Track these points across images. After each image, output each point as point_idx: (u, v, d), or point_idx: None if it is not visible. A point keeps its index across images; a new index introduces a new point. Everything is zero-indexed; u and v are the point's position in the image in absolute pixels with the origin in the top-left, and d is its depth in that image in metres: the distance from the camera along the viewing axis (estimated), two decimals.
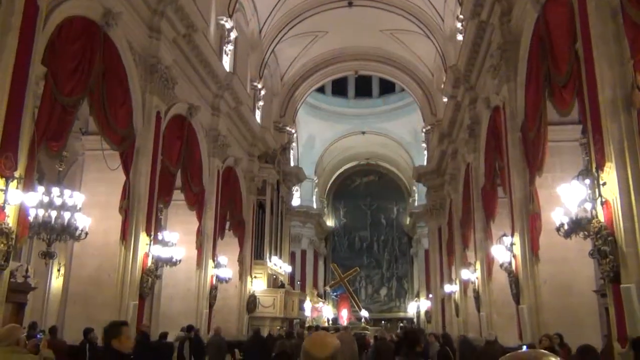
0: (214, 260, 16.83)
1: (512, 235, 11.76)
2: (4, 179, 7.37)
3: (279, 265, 24.15)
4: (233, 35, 19.27)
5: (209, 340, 13.90)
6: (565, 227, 8.03)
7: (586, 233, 7.62)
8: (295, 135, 30.35)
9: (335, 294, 36.79)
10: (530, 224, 10.83)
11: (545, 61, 9.52)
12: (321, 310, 34.30)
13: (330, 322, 32.53)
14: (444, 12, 21.16)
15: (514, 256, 11.65)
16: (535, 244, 10.65)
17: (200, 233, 15.99)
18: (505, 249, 11.97)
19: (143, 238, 11.93)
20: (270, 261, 22.52)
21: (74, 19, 9.57)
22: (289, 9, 22.98)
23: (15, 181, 7.50)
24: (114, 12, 10.56)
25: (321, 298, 35.63)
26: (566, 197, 7.84)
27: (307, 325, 25.91)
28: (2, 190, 7.33)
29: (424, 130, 28.51)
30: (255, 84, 23.14)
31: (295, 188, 31.82)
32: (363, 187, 44.14)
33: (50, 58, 8.84)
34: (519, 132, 11.39)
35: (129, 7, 11.63)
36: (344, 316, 34.60)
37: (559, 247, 10.04)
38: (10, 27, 7.62)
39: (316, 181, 38.40)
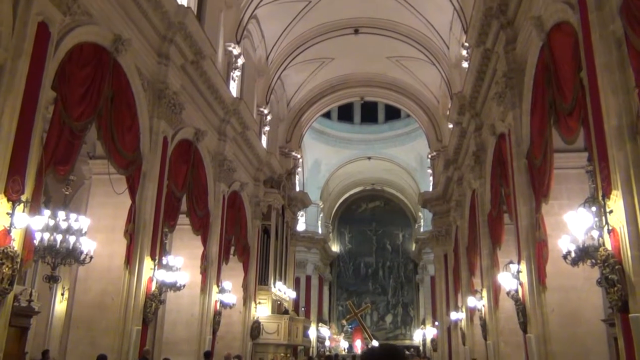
0: (218, 286, 16.74)
1: (519, 263, 11.66)
2: (10, 202, 7.41)
3: (284, 291, 23.98)
4: (240, 61, 19.51)
5: None
6: (572, 254, 7.97)
7: (593, 261, 7.54)
8: (301, 160, 30.42)
9: (350, 326, 38.64)
10: (536, 251, 10.74)
11: (550, 89, 9.56)
12: (339, 341, 37.36)
13: (346, 350, 35.05)
14: (449, 40, 21.38)
15: (521, 284, 11.53)
16: (542, 271, 10.54)
17: (204, 258, 15.94)
18: (512, 277, 11.85)
19: (147, 262, 11.91)
20: (274, 287, 22.38)
21: (84, 44, 9.73)
22: (296, 36, 23.29)
23: (22, 205, 7.54)
24: (123, 38, 10.72)
25: (330, 328, 38.39)
26: (573, 225, 7.79)
27: (327, 353, 28.06)
28: (8, 213, 7.36)
29: (429, 156, 28.53)
30: (261, 109, 23.32)
31: (300, 213, 31.80)
32: (368, 213, 44.04)
33: (60, 83, 8.96)
34: (525, 159, 11.38)
35: (138, 33, 11.83)
36: (358, 345, 35.98)
37: (566, 275, 9.96)
38: (22, 52, 7.76)
39: (321, 206, 38.36)
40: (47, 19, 8.26)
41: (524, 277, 11.33)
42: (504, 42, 12.36)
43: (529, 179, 11.24)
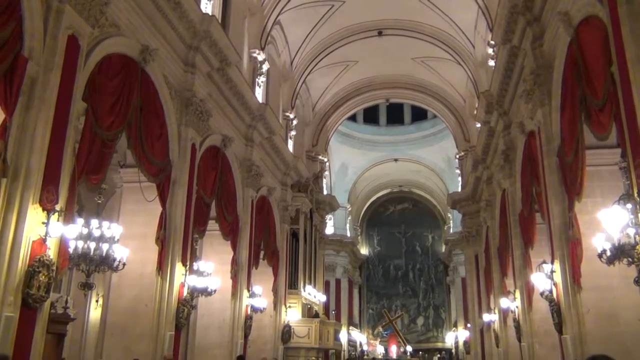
0: (248, 290, 16.84)
1: (552, 263, 11.44)
2: (45, 212, 7.60)
3: (313, 295, 23.99)
4: (265, 67, 19.65)
5: None
6: (608, 253, 7.79)
7: (630, 259, 7.36)
8: (327, 163, 30.45)
9: (385, 332, 39.84)
10: (570, 250, 10.52)
11: (580, 84, 9.37)
12: (375, 346, 38.72)
13: (382, 355, 36.46)
14: (475, 39, 21.16)
15: (555, 284, 11.31)
16: (576, 271, 10.32)
17: (234, 263, 16.06)
18: (546, 277, 11.64)
19: (179, 268, 12.06)
20: (304, 290, 22.41)
21: (113, 56, 9.93)
22: (320, 40, 23.35)
23: (57, 214, 7.73)
24: (150, 48, 10.91)
25: (372, 336, 40.45)
26: (607, 223, 7.61)
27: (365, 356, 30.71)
28: (44, 223, 7.55)
29: (457, 156, 28.26)
30: (287, 114, 23.43)
31: (328, 216, 31.79)
32: (397, 215, 43.79)
33: (91, 94, 9.16)
34: (556, 157, 11.17)
35: (165, 43, 12.01)
36: (393, 350, 37.19)
37: (601, 274, 9.70)
38: (53, 66, 7.97)
39: (349, 209, 38.29)
40: (77, 32, 8.46)
41: (558, 277, 11.11)
42: (531, 39, 12.18)
43: (560, 177, 11.03)
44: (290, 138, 23.78)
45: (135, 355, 10.58)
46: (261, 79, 19.37)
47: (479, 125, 20.44)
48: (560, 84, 10.71)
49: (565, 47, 10.09)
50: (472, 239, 25.63)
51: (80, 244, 9.16)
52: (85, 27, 8.68)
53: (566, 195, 10.76)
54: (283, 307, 20.17)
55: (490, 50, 18.28)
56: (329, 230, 34.12)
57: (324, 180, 29.99)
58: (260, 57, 19.22)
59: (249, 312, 16.73)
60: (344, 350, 32.00)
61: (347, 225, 38.24)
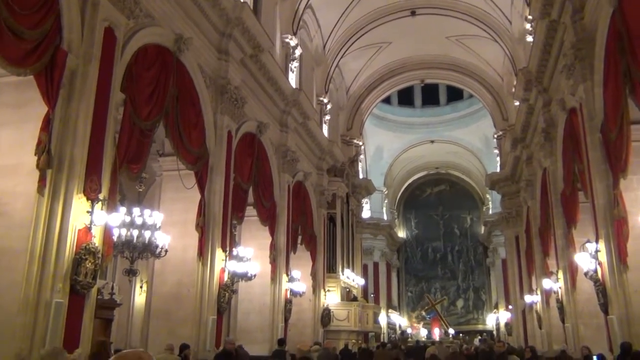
0: (287, 275, 17.01)
1: (597, 242, 11.16)
2: (89, 201, 7.81)
3: (352, 278, 24.06)
4: (298, 52, 19.60)
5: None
6: None
7: None
8: (363, 147, 30.31)
9: (428, 316, 40.31)
10: (615, 229, 10.23)
11: (624, 57, 9.03)
12: (418, 329, 39.27)
13: (425, 337, 36.83)
14: (511, 14, 20.59)
15: (600, 264, 11.03)
16: (622, 250, 10.03)
17: (273, 248, 16.22)
18: (590, 257, 11.36)
19: (219, 254, 12.25)
20: (342, 274, 22.49)
21: (149, 46, 10.08)
22: (352, 22, 23.12)
23: (100, 203, 7.94)
24: (185, 37, 11.02)
25: (416, 320, 41.09)
26: None
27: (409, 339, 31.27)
28: (88, 211, 7.76)
29: (495, 136, 27.73)
30: (321, 98, 23.37)
31: (365, 200, 31.74)
32: (434, 197, 43.34)
33: (128, 84, 9.33)
34: (599, 133, 10.84)
35: (198, 32, 12.11)
36: (436, 333, 37.43)
37: None
38: (91, 58, 8.15)
39: (386, 192, 38.09)
40: (113, 24, 8.61)
41: (602, 256, 10.83)
42: (571, 12, 11.77)
43: (604, 154, 10.71)
44: (325, 122, 23.74)
45: (179, 338, 10.82)
46: (294, 64, 19.35)
47: (517, 103, 19.99)
48: (603, 58, 10.35)
49: (608, 18, 9.73)
50: (512, 219, 25.27)
51: (124, 231, 9.42)
52: (120, 18, 8.83)
53: (610, 172, 10.45)
54: (322, 291, 20.30)
55: (528, 26, 17.78)
56: (366, 214, 34.11)
57: (360, 164, 29.89)
58: (293, 42, 19.18)
59: (288, 296, 16.93)
60: (383, 333, 32.09)
61: (384, 208, 38.08)
